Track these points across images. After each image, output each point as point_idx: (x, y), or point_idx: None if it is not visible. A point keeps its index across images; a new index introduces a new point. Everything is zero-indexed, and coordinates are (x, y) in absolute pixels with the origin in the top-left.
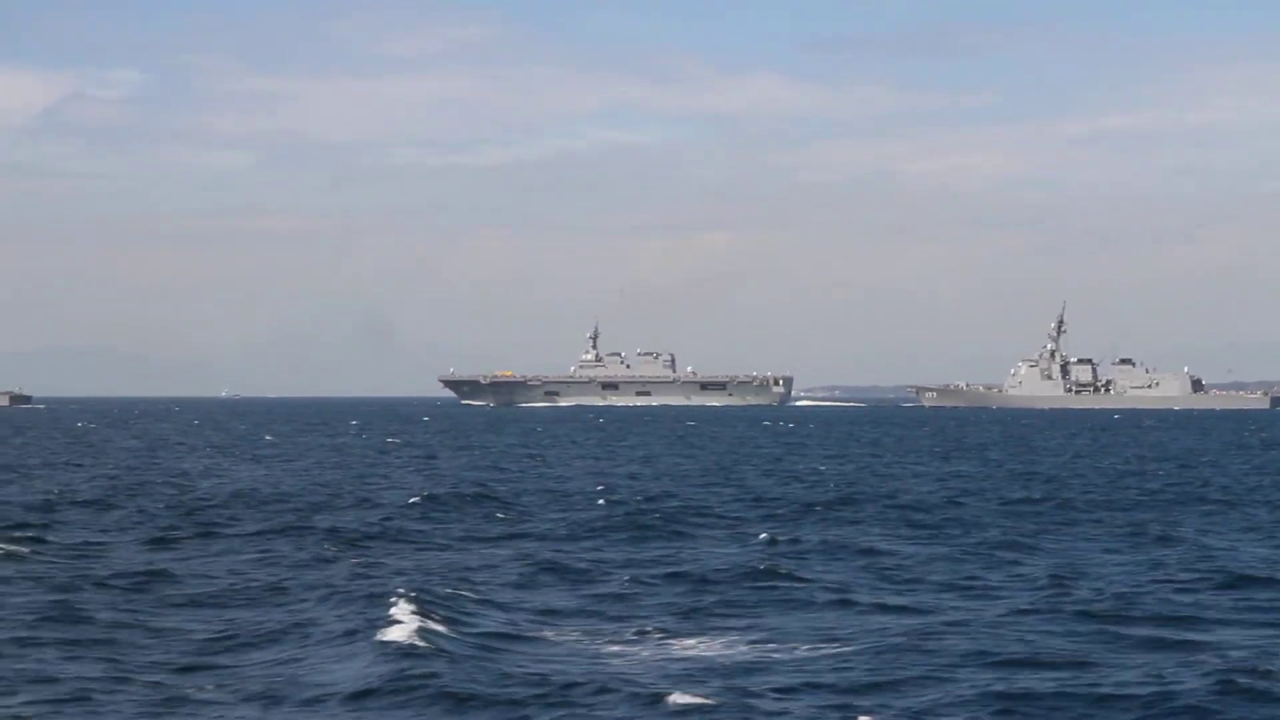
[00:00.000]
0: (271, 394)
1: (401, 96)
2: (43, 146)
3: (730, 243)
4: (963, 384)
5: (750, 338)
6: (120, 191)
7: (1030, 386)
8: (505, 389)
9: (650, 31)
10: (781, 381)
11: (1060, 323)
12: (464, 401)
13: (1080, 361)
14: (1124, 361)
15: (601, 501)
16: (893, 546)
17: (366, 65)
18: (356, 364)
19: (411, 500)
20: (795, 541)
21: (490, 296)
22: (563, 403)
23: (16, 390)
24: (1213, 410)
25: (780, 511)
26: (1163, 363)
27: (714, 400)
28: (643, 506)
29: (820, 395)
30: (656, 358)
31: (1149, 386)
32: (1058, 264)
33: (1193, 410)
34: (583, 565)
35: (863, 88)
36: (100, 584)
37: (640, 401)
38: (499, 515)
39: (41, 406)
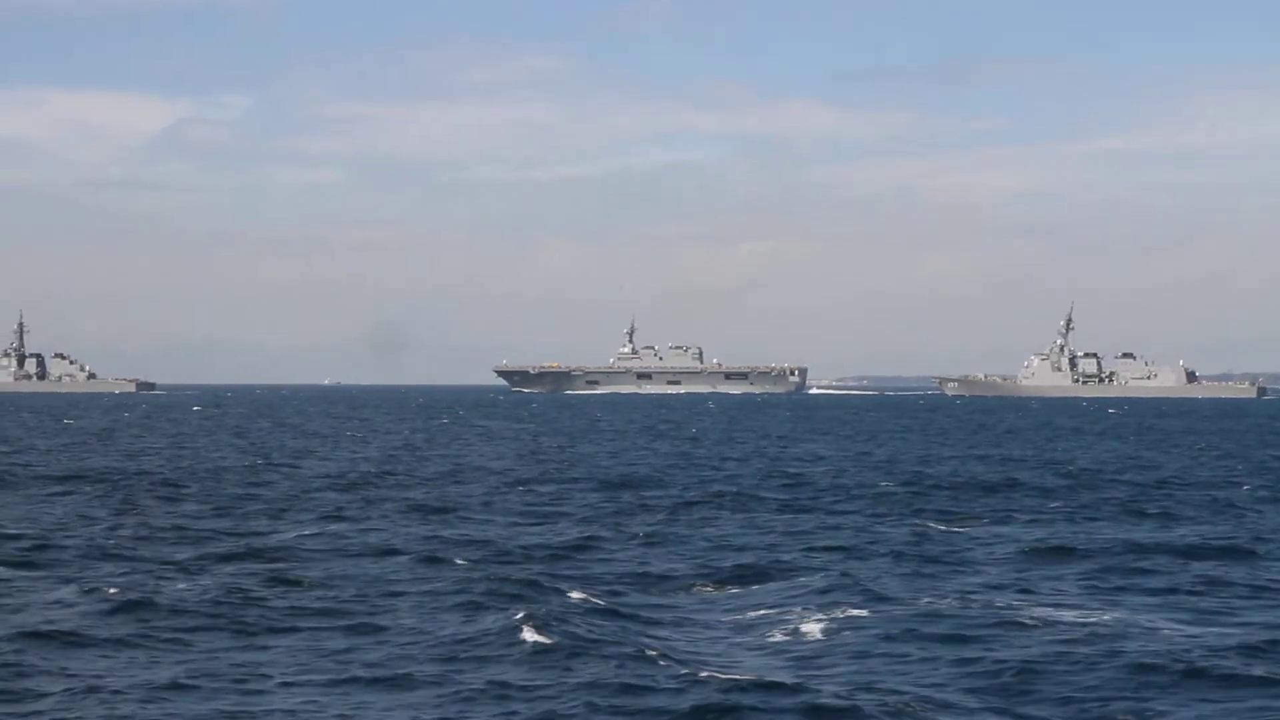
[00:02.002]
0: (364, 382)
1: (479, 120)
2: (161, 164)
3: (766, 249)
4: (981, 375)
5: (782, 333)
6: (229, 204)
7: (1041, 377)
8: (552, 378)
9: (700, 63)
10: (797, 372)
11: (1069, 320)
12: (515, 389)
13: (1086, 355)
14: (1126, 355)
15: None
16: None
17: (448, 92)
18: (425, 355)
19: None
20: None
21: (546, 296)
22: (602, 390)
23: (142, 378)
24: (1205, 399)
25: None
26: (1160, 356)
27: (736, 388)
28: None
29: (850, 384)
30: (686, 350)
31: (1148, 378)
32: (1063, 269)
33: (1188, 398)
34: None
35: (888, 113)
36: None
37: (671, 389)
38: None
39: (163, 393)
